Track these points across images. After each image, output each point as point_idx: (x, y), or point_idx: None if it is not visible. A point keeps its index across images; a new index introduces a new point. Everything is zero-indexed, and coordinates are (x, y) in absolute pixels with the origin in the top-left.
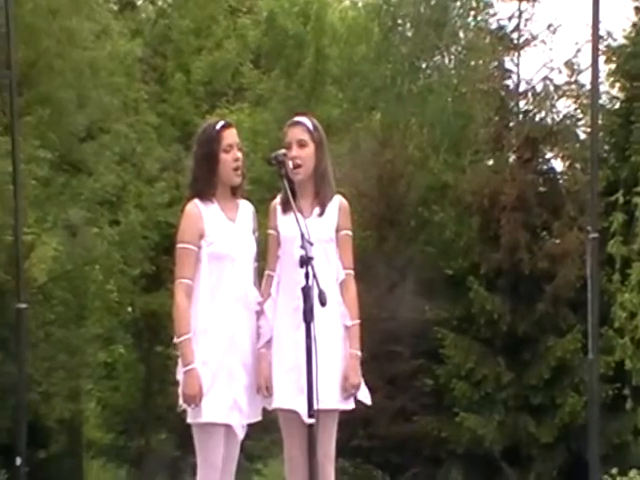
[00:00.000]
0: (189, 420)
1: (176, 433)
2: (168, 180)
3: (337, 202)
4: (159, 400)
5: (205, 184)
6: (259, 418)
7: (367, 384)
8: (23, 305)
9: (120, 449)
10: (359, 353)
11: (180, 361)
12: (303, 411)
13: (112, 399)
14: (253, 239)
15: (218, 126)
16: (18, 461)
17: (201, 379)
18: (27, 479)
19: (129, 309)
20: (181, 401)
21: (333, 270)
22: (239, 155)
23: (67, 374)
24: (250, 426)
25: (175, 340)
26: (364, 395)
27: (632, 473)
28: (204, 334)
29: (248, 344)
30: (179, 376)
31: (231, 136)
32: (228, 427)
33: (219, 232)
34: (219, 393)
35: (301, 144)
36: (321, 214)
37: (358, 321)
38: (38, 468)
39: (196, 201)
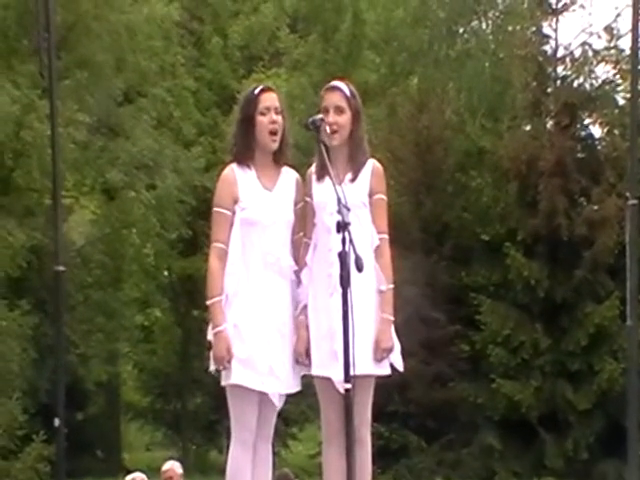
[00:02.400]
0: (222, 382)
1: (212, 396)
2: (205, 145)
3: (370, 166)
4: (195, 363)
5: (243, 148)
6: (299, 388)
7: (403, 349)
8: (61, 268)
9: (157, 412)
10: (392, 318)
11: (211, 323)
12: (337, 378)
13: (149, 362)
14: (291, 208)
15: (256, 90)
16: (57, 422)
17: (230, 341)
18: (65, 440)
19: (166, 273)
20: (212, 363)
21: (367, 235)
22: (276, 118)
23: (105, 337)
24: (288, 394)
25: (207, 302)
26: (397, 360)
27: None
28: (236, 297)
29: (285, 312)
30: (209, 336)
31: (269, 99)
32: (264, 394)
33: (252, 198)
34: (253, 358)
35: (339, 110)
36: (353, 180)
37: (392, 286)
38: (76, 430)
39: (233, 166)
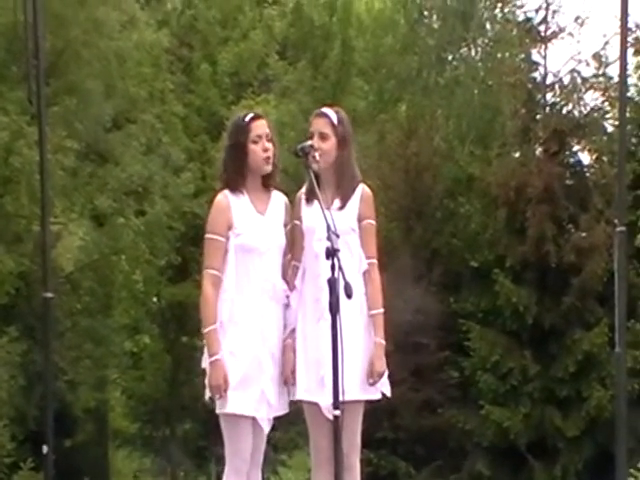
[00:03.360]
0: (217, 410)
1: (201, 423)
2: (194, 171)
3: (359, 192)
4: (184, 390)
5: (234, 175)
6: (286, 410)
7: (392, 376)
8: (50, 294)
9: (145, 438)
10: (383, 342)
11: (206, 351)
12: (324, 404)
13: (138, 389)
14: (282, 232)
15: (247, 118)
16: (45, 449)
17: (227, 370)
18: (54, 467)
19: (155, 299)
20: (207, 391)
21: (356, 261)
22: (268, 146)
23: (93, 363)
24: (276, 418)
25: (203, 330)
26: (385, 386)
27: None
28: (231, 325)
29: (276, 337)
30: (204, 364)
31: (260, 127)
32: (255, 419)
33: (247, 224)
34: (247, 385)
35: (322, 136)
36: (342, 207)
37: (382, 310)
38: (64, 456)
39: (226, 192)
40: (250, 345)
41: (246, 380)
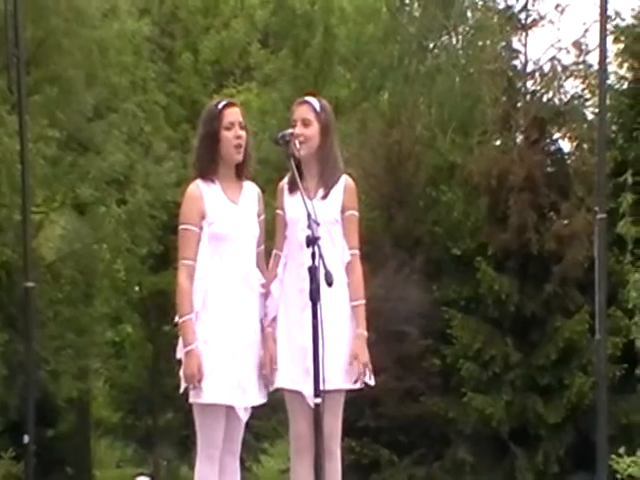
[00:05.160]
0: (190, 400)
1: (183, 412)
2: (176, 160)
3: (343, 182)
4: (167, 379)
5: (207, 163)
6: (264, 400)
7: (374, 365)
8: (31, 284)
9: (128, 428)
10: (365, 333)
11: (181, 341)
12: (308, 393)
13: (120, 378)
14: (256, 221)
15: (220, 105)
16: (26, 439)
17: (201, 359)
18: (35, 457)
19: (137, 288)
20: (182, 382)
21: (338, 252)
22: (241, 133)
23: (75, 353)
24: (257, 406)
25: (177, 320)
26: (368, 376)
27: None
28: (205, 314)
29: (252, 325)
30: (178, 355)
31: (233, 114)
32: (230, 408)
33: (220, 213)
34: (221, 373)
35: (305, 123)
36: (325, 196)
37: (364, 301)
38: (46, 446)
39: (198, 182)
40: (223, 334)
41: (220, 369)
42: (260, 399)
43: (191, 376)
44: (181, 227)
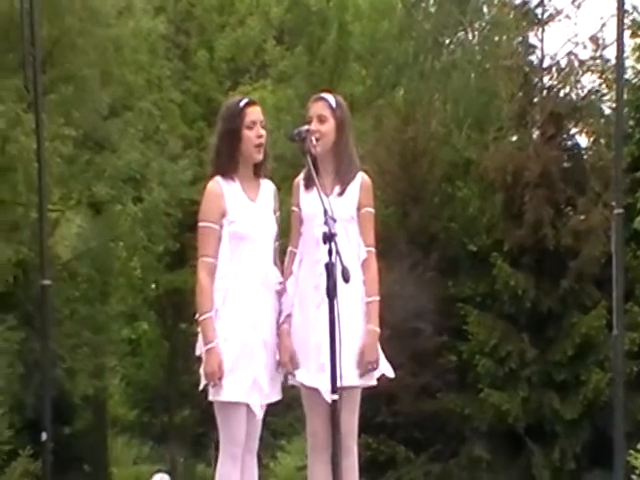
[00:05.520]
0: (210, 398)
1: (199, 409)
2: (191, 157)
3: (359, 180)
4: (183, 377)
5: (227, 161)
6: (279, 397)
7: (390, 361)
8: (47, 282)
9: (144, 425)
10: (377, 329)
11: (201, 339)
12: (324, 389)
13: (136, 376)
14: (274, 219)
15: (242, 103)
16: (44, 436)
17: (222, 357)
18: (52, 454)
19: (153, 286)
20: (203, 379)
21: (354, 249)
22: (262, 132)
23: (91, 351)
24: (273, 404)
25: (197, 317)
26: (386, 368)
27: None
28: (225, 312)
29: (269, 323)
30: (198, 352)
31: (254, 113)
32: (248, 406)
33: (240, 211)
34: (240, 372)
35: (321, 119)
36: (341, 193)
37: (377, 298)
38: (63, 444)
39: (218, 179)
40: (241, 332)
41: (238, 367)
42: (275, 396)
43: (212, 374)
44: (201, 224)
